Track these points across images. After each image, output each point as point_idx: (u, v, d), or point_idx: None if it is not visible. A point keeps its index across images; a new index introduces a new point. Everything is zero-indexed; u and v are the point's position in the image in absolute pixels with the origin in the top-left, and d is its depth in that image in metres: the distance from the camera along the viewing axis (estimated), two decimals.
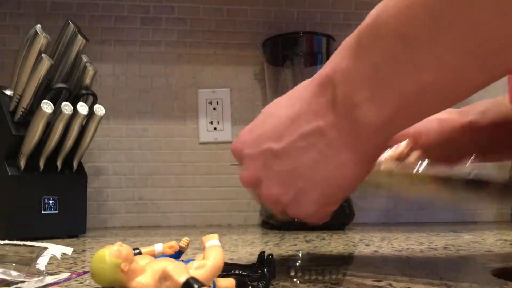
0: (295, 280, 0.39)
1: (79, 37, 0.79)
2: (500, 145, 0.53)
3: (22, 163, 0.75)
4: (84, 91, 0.81)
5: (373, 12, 0.31)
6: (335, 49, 0.35)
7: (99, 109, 0.80)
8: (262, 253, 0.36)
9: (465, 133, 0.52)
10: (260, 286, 0.33)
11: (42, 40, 0.74)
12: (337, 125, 0.33)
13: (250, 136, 0.38)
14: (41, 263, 0.36)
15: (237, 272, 0.33)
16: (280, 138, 0.35)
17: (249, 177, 0.38)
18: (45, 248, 0.38)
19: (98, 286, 0.25)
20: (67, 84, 0.79)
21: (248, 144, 0.38)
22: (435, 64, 0.29)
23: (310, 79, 0.36)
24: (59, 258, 0.39)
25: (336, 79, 0.33)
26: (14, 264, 0.36)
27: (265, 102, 1.09)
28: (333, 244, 0.65)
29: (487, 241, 0.69)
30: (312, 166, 0.35)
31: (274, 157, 0.36)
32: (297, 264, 0.49)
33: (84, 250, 0.61)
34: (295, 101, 0.36)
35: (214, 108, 1.11)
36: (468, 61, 0.28)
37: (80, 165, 0.83)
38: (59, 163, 0.79)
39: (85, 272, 0.36)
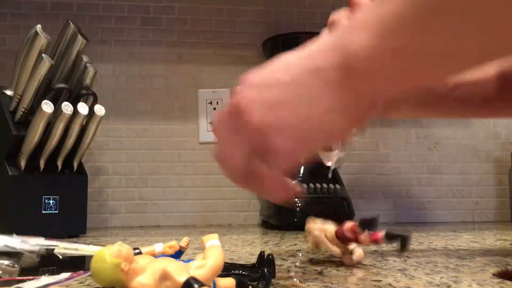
0: (295, 280, 0.39)
1: (79, 37, 0.79)
2: None
3: (23, 163, 0.75)
4: (84, 91, 0.81)
5: None
6: None
7: (99, 109, 0.80)
8: (262, 253, 0.36)
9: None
10: (260, 286, 0.33)
11: (42, 40, 0.74)
12: (334, 68, 0.33)
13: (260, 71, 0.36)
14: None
15: (237, 272, 0.33)
16: (288, 70, 0.34)
17: (237, 98, 0.35)
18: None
19: (98, 286, 0.25)
20: (67, 84, 0.79)
21: (255, 74, 0.36)
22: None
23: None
24: (61, 258, 0.39)
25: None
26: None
27: None
28: None
29: (487, 241, 0.69)
30: (300, 100, 0.34)
31: (275, 84, 0.35)
32: (297, 264, 0.49)
33: None
34: (306, 48, 0.35)
35: (214, 108, 1.11)
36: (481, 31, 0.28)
37: (80, 165, 0.83)
38: (59, 163, 0.79)
39: (85, 272, 0.36)
